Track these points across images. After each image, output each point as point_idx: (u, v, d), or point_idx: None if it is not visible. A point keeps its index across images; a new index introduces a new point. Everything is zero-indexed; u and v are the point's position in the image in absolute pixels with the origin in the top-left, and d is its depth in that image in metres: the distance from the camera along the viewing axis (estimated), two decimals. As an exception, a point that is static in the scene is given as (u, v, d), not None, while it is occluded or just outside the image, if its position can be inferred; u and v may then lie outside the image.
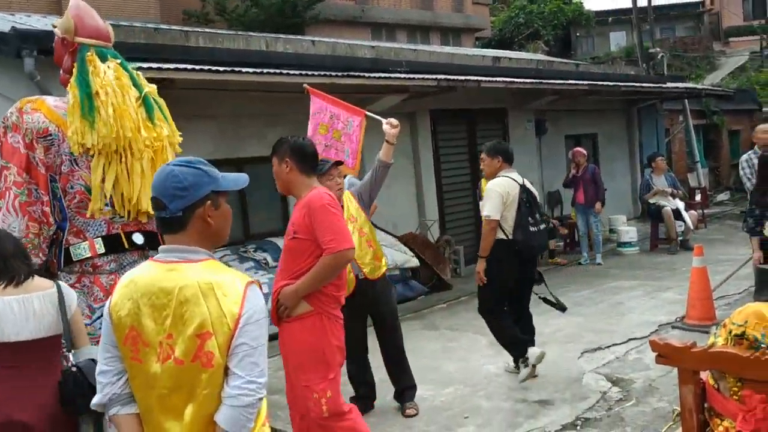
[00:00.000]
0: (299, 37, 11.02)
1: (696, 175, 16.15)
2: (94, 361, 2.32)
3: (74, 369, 2.64)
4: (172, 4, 16.22)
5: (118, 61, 3.31)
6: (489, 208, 4.93)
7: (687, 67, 25.47)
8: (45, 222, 3.10)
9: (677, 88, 13.71)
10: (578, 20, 27.42)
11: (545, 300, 5.30)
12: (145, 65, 6.08)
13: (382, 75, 7.99)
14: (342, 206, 4.49)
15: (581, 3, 28.11)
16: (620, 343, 5.83)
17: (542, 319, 6.85)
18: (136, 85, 3.29)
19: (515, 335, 5.05)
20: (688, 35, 30.69)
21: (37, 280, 2.70)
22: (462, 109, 10.23)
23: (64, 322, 2.67)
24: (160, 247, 2.01)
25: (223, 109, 7.64)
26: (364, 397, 4.72)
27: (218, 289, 1.88)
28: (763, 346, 2.33)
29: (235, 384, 1.85)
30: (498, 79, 9.47)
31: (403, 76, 8.31)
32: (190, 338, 1.86)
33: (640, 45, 18.79)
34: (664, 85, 14.00)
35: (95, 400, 2.01)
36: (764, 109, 19.58)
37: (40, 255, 3.09)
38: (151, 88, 3.37)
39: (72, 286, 3.00)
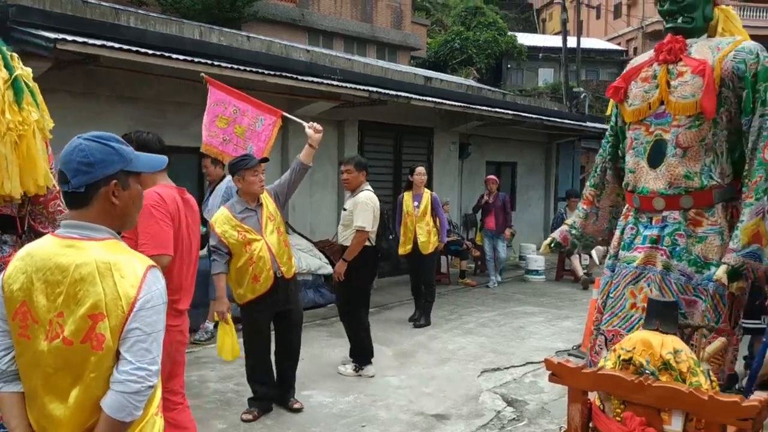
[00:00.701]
0: (235, 31, 10.82)
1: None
2: None
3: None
4: (104, -20, 15.61)
5: None
6: (364, 220, 5.37)
7: (606, 109, 26.63)
8: None
9: (596, 128, 14.31)
10: (511, 52, 28.27)
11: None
12: (69, 37, 5.85)
13: (316, 80, 7.96)
14: (261, 204, 4.48)
15: (515, 37, 29.04)
16: (518, 366, 6.01)
17: (447, 336, 7.00)
18: (7, 66, 3.09)
19: (370, 343, 5.62)
20: (611, 79, 32.25)
21: None
22: (390, 123, 10.35)
23: None
24: (62, 222, 1.92)
25: (146, 94, 7.41)
26: (263, 399, 4.68)
27: (116, 270, 1.81)
28: (647, 372, 2.47)
29: (123, 369, 1.78)
30: (428, 98, 9.64)
31: (335, 83, 8.31)
32: (81, 318, 1.78)
33: (565, 83, 19.63)
34: (584, 124, 14.59)
35: (-22, 375, 1.90)
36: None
37: None
38: (24, 72, 3.17)
39: None
